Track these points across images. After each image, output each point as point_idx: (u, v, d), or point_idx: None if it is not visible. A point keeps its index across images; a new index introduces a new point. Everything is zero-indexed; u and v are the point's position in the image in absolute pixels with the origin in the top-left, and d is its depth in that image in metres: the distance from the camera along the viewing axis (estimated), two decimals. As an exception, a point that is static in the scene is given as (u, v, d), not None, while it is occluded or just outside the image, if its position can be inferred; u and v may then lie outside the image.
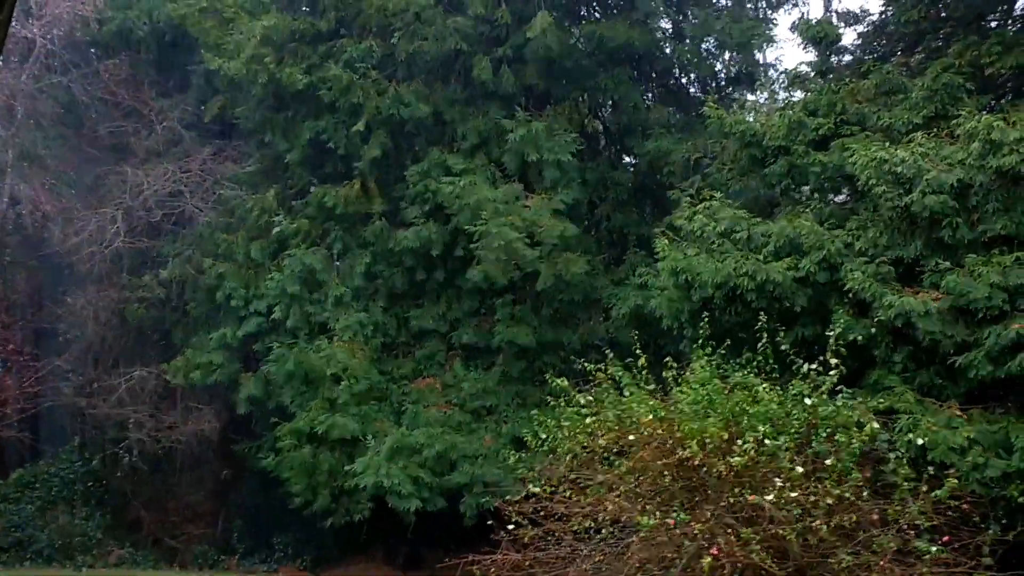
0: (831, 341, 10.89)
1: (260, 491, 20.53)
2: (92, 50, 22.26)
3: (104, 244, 20.06)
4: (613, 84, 19.14)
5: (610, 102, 20.14)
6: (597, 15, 20.49)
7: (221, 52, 18.51)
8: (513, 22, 17.81)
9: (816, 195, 13.89)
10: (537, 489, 11.44)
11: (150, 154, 21.44)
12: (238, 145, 21.73)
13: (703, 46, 19.14)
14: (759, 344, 11.33)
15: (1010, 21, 14.64)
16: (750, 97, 19.94)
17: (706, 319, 11.89)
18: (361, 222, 19.01)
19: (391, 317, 18.86)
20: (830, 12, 18.38)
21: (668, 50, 20.17)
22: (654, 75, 21.11)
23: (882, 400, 10.84)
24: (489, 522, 11.91)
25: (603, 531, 10.69)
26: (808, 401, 10.45)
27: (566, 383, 12.32)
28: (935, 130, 12.27)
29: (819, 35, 15.45)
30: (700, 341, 11.75)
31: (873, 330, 11.41)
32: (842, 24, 17.19)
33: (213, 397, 20.79)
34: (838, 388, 10.70)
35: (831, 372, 10.61)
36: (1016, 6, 14.75)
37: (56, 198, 20.65)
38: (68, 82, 20.99)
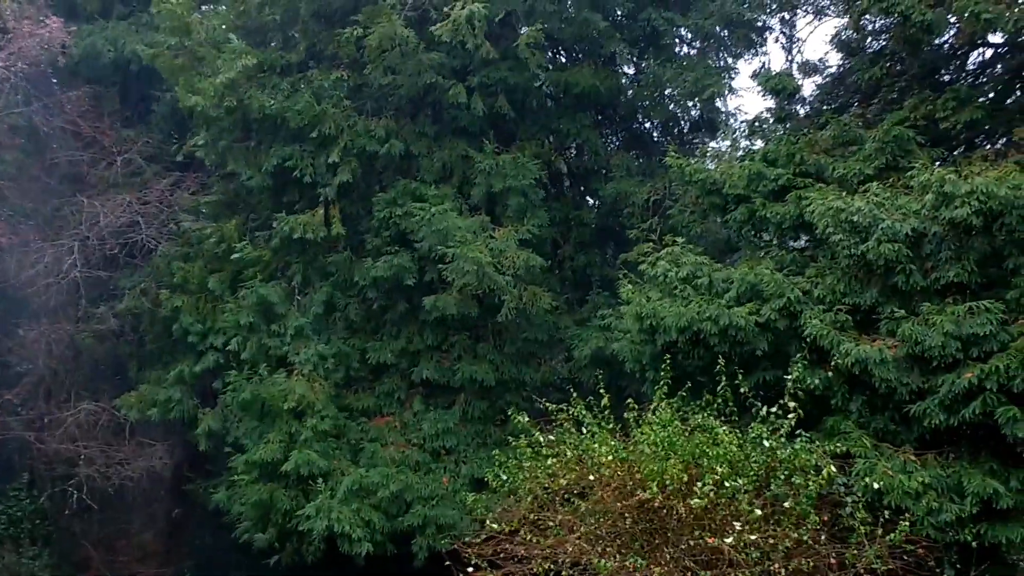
0: (789, 386, 11.14)
1: (212, 531, 20.16)
2: (54, 81, 22.11)
3: (60, 276, 19.76)
4: (576, 129, 19.48)
5: (574, 144, 20.45)
6: (562, 58, 20.85)
7: (192, 89, 18.44)
8: (483, 56, 18.01)
9: (775, 241, 14.23)
10: (496, 527, 11.45)
11: (108, 185, 21.25)
12: (199, 176, 21.64)
13: (665, 92, 19.53)
14: (719, 387, 11.54)
15: (963, 76, 15.19)
16: (711, 143, 20.40)
17: (668, 362, 12.10)
18: (323, 253, 18.97)
19: (351, 350, 18.75)
20: (791, 63, 18.98)
21: (630, 95, 20.55)
22: (617, 119, 21.48)
23: (839, 444, 11.07)
24: (446, 563, 11.87)
25: (563, 574, 10.71)
26: (767, 444, 10.65)
27: (527, 420, 12.40)
28: (888, 181, 12.69)
29: (778, 87, 15.94)
30: (662, 384, 11.94)
31: (830, 375, 11.67)
32: (801, 75, 17.77)
33: (167, 433, 20.44)
34: (796, 432, 10.92)
35: (789, 416, 10.84)
36: (968, 61, 15.32)
37: (12, 229, 20.34)
38: (29, 113, 20.81)
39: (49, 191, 21.39)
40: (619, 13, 19.97)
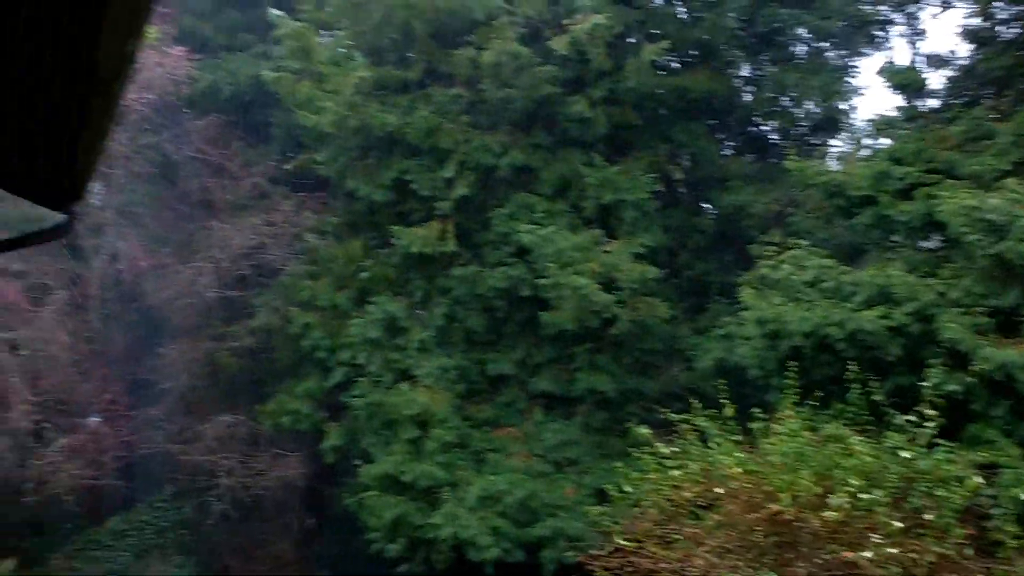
0: (926, 392, 10.72)
1: (345, 539, 20.82)
2: (184, 110, 23.37)
3: (195, 296, 20.86)
4: (690, 137, 19.27)
5: (688, 153, 20.22)
6: (676, 65, 20.68)
7: (312, 108, 19.20)
8: (602, 66, 18.07)
9: (906, 242, 13.73)
10: (623, 542, 11.41)
11: (237, 208, 22.30)
12: (320, 196, 22.46)
13: (785, 93, 19.08)
14: (850, 395, 11.19)
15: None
16: (834, 144, 19.82)
17: (794, 369, 11.80)
18: (443, 268, 19.37)
19: (472, 362, 19.08)
20: (916, 56, 18.28)
21: (747, 99, 20.19)
22: (733, 123, 21.14)
23: (983, 454, 10.59)
24: (573, 576, 11.92)
25: (692, 588, 10.59)
26: (905, 454, 10.28)
27: (649, 433, 12.31)
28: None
29: (904, 82, 15.36)
30: (788, 391, 11.66)
31: (971, 380, 11.19)
32: (928, 68, 17.09)
33: (299, 444, 21.29)
34: (936, 441, 10.50)
35: (928, 424, 10.42)
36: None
37: (151, 253, 21.60)
38: (161, 142, 22.05)
39: (182, 216, 22.64)
40: (735, 16, 19.64)
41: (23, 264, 20.59)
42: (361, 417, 18.42)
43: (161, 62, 20.82)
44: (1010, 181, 11.91)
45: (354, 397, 18.82)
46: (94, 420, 22.31)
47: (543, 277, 17.32)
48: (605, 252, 17.58)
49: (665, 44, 17.55)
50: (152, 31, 19.00)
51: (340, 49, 20.07)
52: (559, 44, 16.99)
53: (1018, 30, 14.62)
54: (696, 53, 19.48)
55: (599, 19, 16.66)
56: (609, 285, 17.27)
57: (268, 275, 21.98)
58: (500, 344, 19.35)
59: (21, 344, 19.52)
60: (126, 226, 22.09)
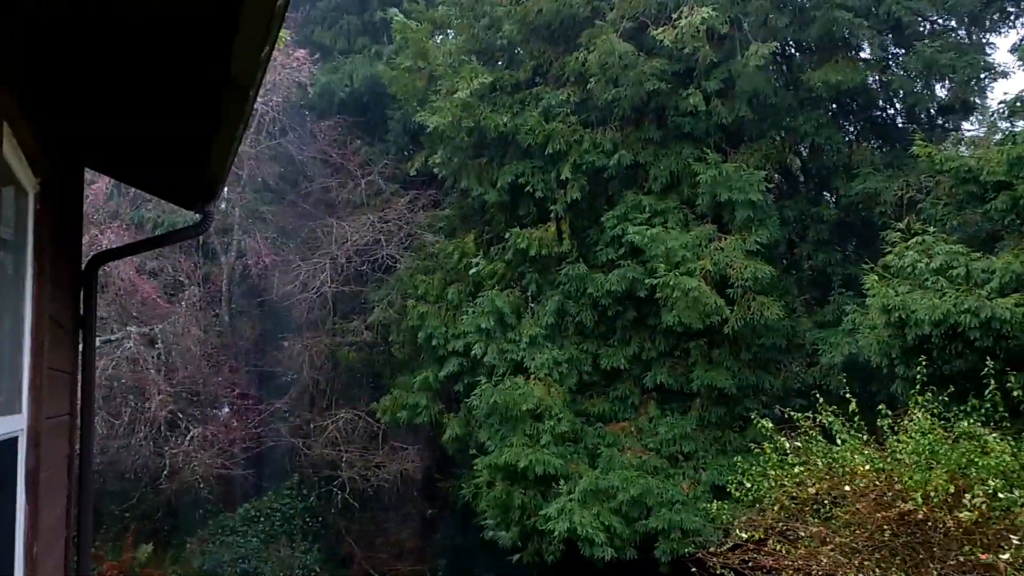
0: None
1: (462, 530, 21.18)
2: (305, 113, 24.18)
3: (315, 291, 21.57)
4: (811, 126, 18.67)
5: (808, 141, 19.57)
6: (795, 52, 20.07)
7: (430, 108, 19.58)
8: (711, 60, 17.75)
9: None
10: (745, 535, 11.22)
11: (354, 206, 22.93)
12: (433, 193, 22.86)
13: (912, 76, 18.23)
14: (986, 389, 10.67)
15: None
16: (965, 126, 18.85)
17: (922, 361, 11.32)
18: (555, 264, 19.42)
19: (584, 356, 19.09)
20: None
21: (872, 83, 19.40)
22: (855, 108, 20.37)
23: None
24: (692, 570, 11.78)
25: (817, 587, 10.33)
26: (1047, 454, 9.75)
27: (771, 426, 12.05)
28: None
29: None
30: (917, 385, 11.21)
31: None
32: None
33: (416, 437, 21.75)
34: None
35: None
36: None
37: (275, 250, 22.46)
38: (285, 143, 22.88)
39: (304, 214, 23.45)
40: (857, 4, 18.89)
41: (158, 262, 21.75)
42: (478, 411, 18.67)
43: (285, 64, 21.59)
44: None
45: (470, 390, 19.09)
46: (225, 411, 23.39)
47: (656, 274, 17.16)
48: (718, 249, 17.26)
49: (772, 46, 17.03)
50: (283, 34, 19.77)
51: (454, 51, 20.36)
52: (664, 36, 16.74)
53: None
54: (819, 43, 18.79)
55: (706, 11, 16.33)
56: (722, 283, 16.93)
57: (383, 271, 22.53)
58: (612, 338, 19.28)
59: (157, 338, 20.61)
60: (252, 225, 23.04)
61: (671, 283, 16.49)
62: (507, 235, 19.74)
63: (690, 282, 16.38)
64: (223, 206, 21.88)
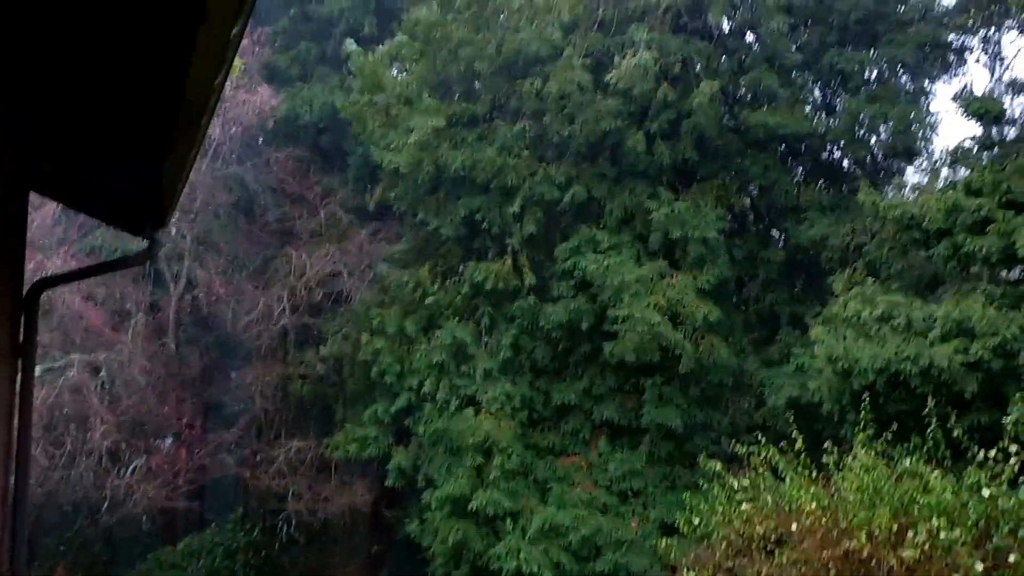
0: (1008, 428, 10.34)
1: (411, 565, 20.87)
2: (262, 141, 24.01)
3: (271, 323, 21.29)
4: (760, 168, 19.05)
5: (758, 183, 19.95)
6: (743, 96, 20.49)
7: (386, 147, 19.56)
8: (663, 99, 18.06)
9: (985, 275, 13.31)
10: (693, 574, 11.21)
11: (312, 237, 22.75)
12: (392, 225, 22.78)
13: (858, 122, 18.72)
14: (927, 430, 10.85)
15: None
16: (910, 171, 19.38)
17: (867, 404, 11.51)
18: (509, 298, 19.45)
19: (536, 391, 19.09)
20: (996, 82, 17.82)
21: (820, 129, 19.87)
22: (804, 150, 20.83)
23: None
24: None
25: (764, 624, 10.32)
26: (986, 492, 9.88)
27: (719, 465, 12.11)
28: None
29: (981, 110, 14.98)
30: (862, 426, 11.37)
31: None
32: (1009, 93, 16.65)
33: (366, 471, 21.47)
34: (1020, 479, 10.09)
35: (1011, 461, 10.03)
36: None
37: (228, 280, 22.15)
38: (242, 173, 22.67)
39: (260, 244, 23.19)
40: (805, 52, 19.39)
41: (105, 289, 21.31)
42: (426, 443, 18.52)
43: (248, 99, 21.48)
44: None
45: (419, 422, 18.95)
46: (170, 442, 22.88)
47: (607, 309, 17.24)
48: (669, 285, 17.45)
49: (718, 84, 17.41)
50: (237, 63, 19.64)
51: (413, 83, 20.39)
52: (616, 77, 17.05)
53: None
54: (764, 88, 19.20)
55: (645, 57, 16.67)
56: (673, 320, 17.11)
57: (340, 303, 22.34)
58: (565, 373, 19.33)
59: (102, 367, 20.14)
60: (205, 253, 22.71)
61: (630, 315, 16.50)
62: (463, 268, 19.75)
63: (651, 315, 16.46)
64: (173, 232, 21.54)
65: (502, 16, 18.61)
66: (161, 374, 22.05)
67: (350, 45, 19.88)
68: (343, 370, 21.94)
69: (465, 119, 20.01)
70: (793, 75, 18.86)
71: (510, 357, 19.16)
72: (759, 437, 12.12)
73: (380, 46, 19.98)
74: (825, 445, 11.46)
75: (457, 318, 19.69)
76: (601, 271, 17.52)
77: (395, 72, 20.62)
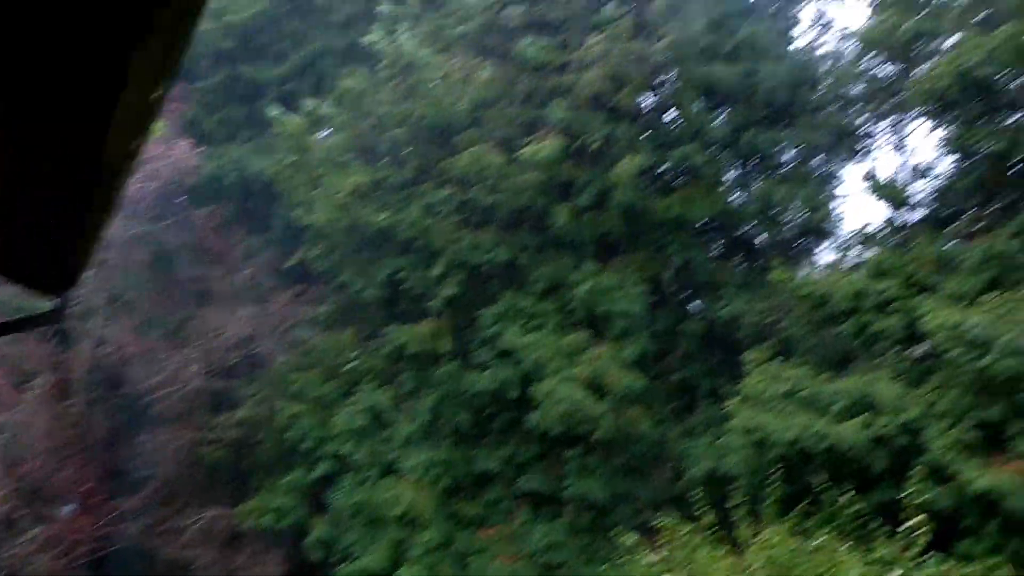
0: (911, 505, 10.68)
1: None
2: (183, 200, 23.70)
3: (184, 385, 20.77)
4: (679, 245, 19.60)
5: (677, 258, 20.47)
6: (663, 173, 21.11)
7: (308, 207, 19.59)
8: (586, 176, 18.56)
9: (891, 352, 13.88)
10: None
11: (231, 298, 22.42)
12: (315, 288, 22.64)
13: (772, 203, 19.51)
14: (835, 505, 11.14)
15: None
16: (822, 249, 20.18)
17: (780, 477, 11.77)
18: (431, 362, 19.42)
19: (458, 458, 18.98)
20: (903, 166, 18.74)
21: (736, 204, 20.62)
22: (721, 229, 21.50)
23: (974, 569, 10.47)
24: None
25: None
26: (897, 569, 10.14)
27: (635, 539, 12.19)
28: (1002, 293, 12.35)
29: (888, 195, 15.80)
30: (772, 500, 11.61)
31: (960, 496, 11.17)
32: (913, 177, 17.52)
33: (281, 541, 20.85)
34: (928, 554, 10.39)
35: (917, 536, 10.34)
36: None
37: (140, 340, 21.59)
38: (160, 230, 22.30)
39: (176, 303, 22.73)
40: (722, 133, 20.20)
41: (6, 348, 20.52)
42: (345, 514, 18.16)
43: (168, 153, 21.26)
44: (990, 297, 12.15)
45: (338, 493, 18.58)
46: (70, 509, 21.86)
47: (531, 379, 17.37)
48: (593, 358, 17.68)
49: (638, 160, 18.01)
50: (158, 126, 19.47)
51: (336, 149, 20.55)
52: (527, 154, 17.56)
53: (998, 145, 15.03)
54: (683, 167, 19.90)
55: (550, 146, 17.15)
56: (596, 392, 17.28)
57: (258, 366, 21.96)
58: (487, 440, 19.28)
59: (1, 430, 19.29)
60: (117, 312, 22.13)
61: (551, 391, 16.64)
62: (385, 331, 19.69)
63: (571, 391, 16.61)
64: (84, 289, 20.96)
65: (427, 86, 18.95)
66: (64, 437, 21.20)
67: (275, 110, 19.97)
68: (258, 435, 21.47)
69: (390, 183, 20.17)
70: (713, 153, 19.55)
71: (431, 423, 19.05)
72: (678, 509, 12.29)
73: (308, 109, 20.10)
74: (735, 519, 11.66)
75: (378, 383, 19.55)
76: (524, 344, 17.68)
77: (322, 135, 20.77)
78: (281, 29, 23.96)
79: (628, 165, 17.85)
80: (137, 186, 21.09)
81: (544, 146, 17.67)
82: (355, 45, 20.74)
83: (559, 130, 17.92)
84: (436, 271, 18.97)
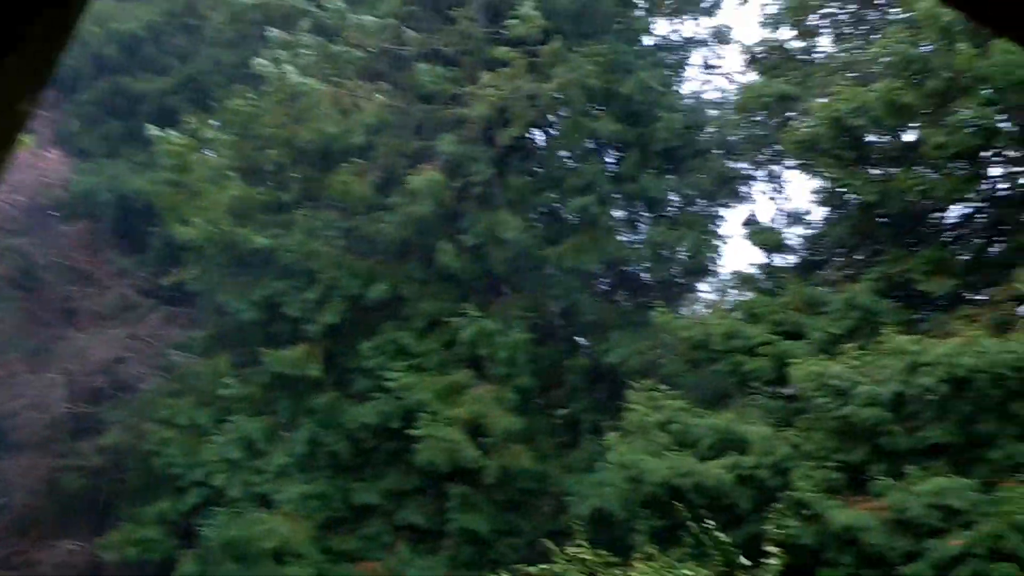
0: (772, 537, 11.19)
1: None
2: (54, 214, 22.70)
3: (44, 409, 19.78)
4: (564, 285, 19.94)
5: (563, 295, 20.81)
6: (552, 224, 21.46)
7: (184, 222, 19.03)
8: (475, 214, 18.75)
9: (763, 391, 14.51)
10: None
11: (100, 318, 21.55)
12: (190, 311, 21.99)
13: (656, 243, 20.14)
14: (704, 539, 11.54)
15: (943, 231, 15.77)
16: (703, 289, 20.94)
17: (652, 512, 12.19)
18: (309, 390, 19.12)
19: (336, 490, 18.65)
20: (778, 212, 19.68)
21: (622, 247, 21.13)
22: (607, 266, 21.97)
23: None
24: None
25: None
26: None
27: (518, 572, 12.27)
28: (862, 342, 13.10)
29: (764, 241, 16.56)
30: (646, 535, 11.97)
31: (821, 531, 11.74)
32: (788, 223, 18.44)
33: (144, 574, 19.99)
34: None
35: (773, 566, 10.79)
36: (948, 216, 15.92)
37: (0, 361, 20.49)
38: (25, 245, 21.29)
39: (39, 323, 21.67)
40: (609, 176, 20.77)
41: None
42: (216, 547, 17.59)
43: (35, 164, 20.34)
44: (850, 348, 12.87)
45: (210, 525, 17.97)
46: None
47: (412, 414, 17.34)
48: (473, 399, 17.75)
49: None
50: (27, 139, 18.65)
51: (218, 167, 20.08)
52: (414, 184, 17.67)
53: (865, 197, 15.91)
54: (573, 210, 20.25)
55: (431, 178, 17.36)
56: (477, 432, 17.44)
57: (125, 390, 21.13)
58: (366, 472, 19.04)
59: None
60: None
61: (431, 433, 16.82)
62: (261, 357, 19.24)
63: (450, 433, 16.70)
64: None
65: (314, 111, 18.76)
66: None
67: (154, 129, 19.38)
68: (123, 464, 20.61)
69: (273, 205, 19.82)
70: (600, 193, 20.03)
71: (308, 454, 18.70)
72: (561, 543, 12.47)
73: (192, 127, 19.57)
74: (608, 553, 11.92)
75: (254, 410, 19.10)
76: (406, 384, 17.64)
77: (205, 155, 20.26)
78: (168, 43, 23.36)
79: (512, 222, 18.08)
80: (1, 198, 20.16)
81: (428, 178, 17.73)
82: (244, 64, 20.40)
83: (446, 162, 18.04)
84: (314, 296, 18.72)
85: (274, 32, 18.56)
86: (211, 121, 19.77)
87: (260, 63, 18.10)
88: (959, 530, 11.11)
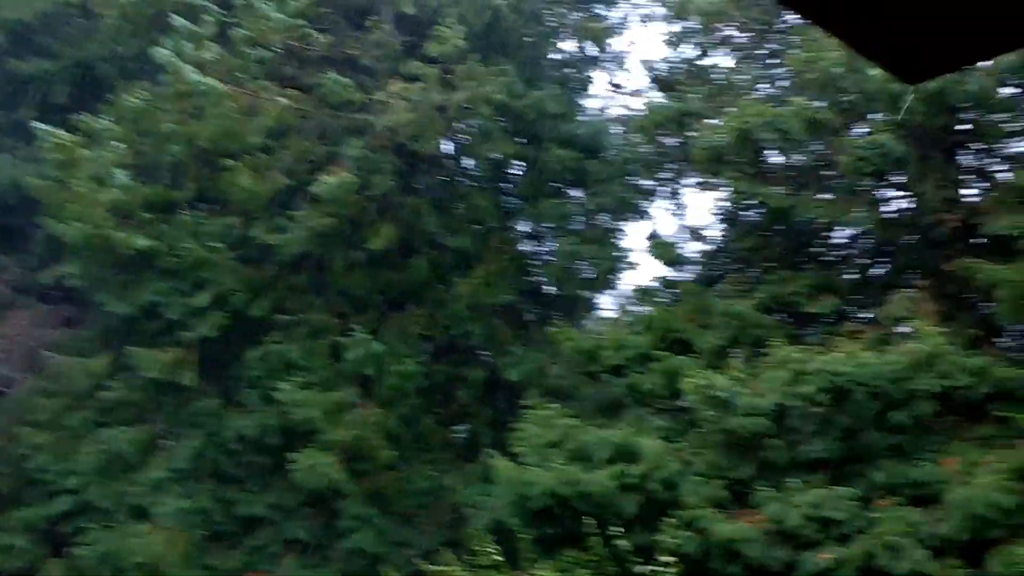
0: (661, 548, 11.45)
1: None
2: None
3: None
4: (467, 307, 19.90)
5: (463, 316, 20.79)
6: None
7: (64, 218, 18.28)
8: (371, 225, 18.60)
9: (655, 405, 14.78)
10: None
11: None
12: (67, 309, 21.14)
13: (557, 254, 20.37)
14: (591, 548, 11.75)
15: (829, 250, 16.39)
16: (604, 303, 21.24)
17: (544, 523, 12.31)
18: (191, 398, 18.60)
19: (218, 502, 18.14)
20: (679, 228, 20.09)
21: (524, 260, 21.31)
22: (508, 277, 22.06)
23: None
24: None
25: None
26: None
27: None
28: (748, 353, 13.50)
29: (664, 256, 16.95)
30: (536, 544, 12.09)
31: (707, 542, 12.02)
32: (688, 238, 18.84)
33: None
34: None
35: (667, 572, 11.04)
36: (834, 238, 16.55)
37: None
38: None
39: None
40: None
41: None
42: (85, 563, 16.88)
43: None
44: (736, 361, 13.27)
45: (81, 537, 17.24)
46: None
47: (294, 430, 17.26)
48: (357, 421, 17.57)
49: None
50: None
51: (107, 164, 19.37)
52: (325, 187, 17.47)
53: (760, 215, 16.46)
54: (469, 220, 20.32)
55: (337, 180, 17.39)
56: (356, 456, 17.45)
57: (-5, 392, 20.15)
58: (251, 483, 18.61)
59: None
60: None
61: (309, 462, 16.88)
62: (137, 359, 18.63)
63: (325, 464, 16.81)
64: None
65: (213, 110, 18.29)
66: None
67: (40, 124, 18.57)
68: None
69: (162, 204, 19.21)
70: (505, 210, 20.20)
71: (189, 461, 18.17)
72: (455, 555, 12.50)
73: (82, 122, 18.80)
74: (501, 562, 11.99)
75: (134, 416, 18.47)
76: (290, 400, 17.38)
77: (93, 152, 19.53)
78: (63, 30, 22.45)
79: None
80: None
81: (341, 179, 17.47)
82: (143, 55, 19.74)
83: (351, 169, 17.83)
84: (198, 302, 18.24)
85: (180, 21, 18.00)
86: (102, 116, 19.05)
87: (160, 52, 17.55)
88: (834, 544, 11.52)
